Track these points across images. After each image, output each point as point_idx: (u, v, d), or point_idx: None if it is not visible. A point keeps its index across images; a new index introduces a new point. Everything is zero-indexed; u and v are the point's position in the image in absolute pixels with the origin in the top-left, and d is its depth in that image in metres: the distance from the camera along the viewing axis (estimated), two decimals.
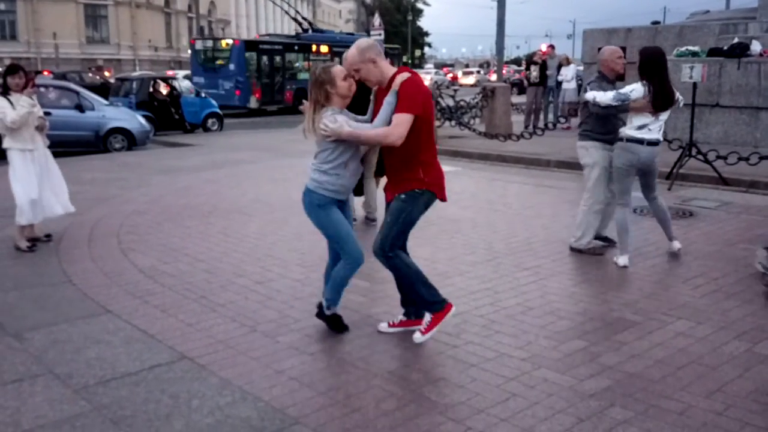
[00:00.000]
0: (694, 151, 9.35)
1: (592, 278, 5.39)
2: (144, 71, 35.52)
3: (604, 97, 5.50)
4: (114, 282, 5.30)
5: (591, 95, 5.60)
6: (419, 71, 47.60)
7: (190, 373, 3.73)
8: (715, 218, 7.31)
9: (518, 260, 5.78)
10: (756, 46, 12.09)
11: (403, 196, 3.92)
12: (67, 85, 15.04)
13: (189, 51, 30.13)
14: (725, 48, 12.42)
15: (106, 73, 33.76)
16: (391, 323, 4.32)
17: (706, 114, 12.10)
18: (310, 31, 30.56)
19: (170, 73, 28.32)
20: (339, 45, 26.95)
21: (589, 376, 3.63)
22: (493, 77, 24.96)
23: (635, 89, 5.43)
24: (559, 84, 16.82)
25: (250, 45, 26.35)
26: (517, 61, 72.83)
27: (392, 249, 3.99)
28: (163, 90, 18.20)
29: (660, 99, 5.40)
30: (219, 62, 25.65)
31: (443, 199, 4.06)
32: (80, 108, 13.60)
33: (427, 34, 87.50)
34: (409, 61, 71.78)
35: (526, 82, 17.82)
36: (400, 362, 3.84)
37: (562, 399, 3.40)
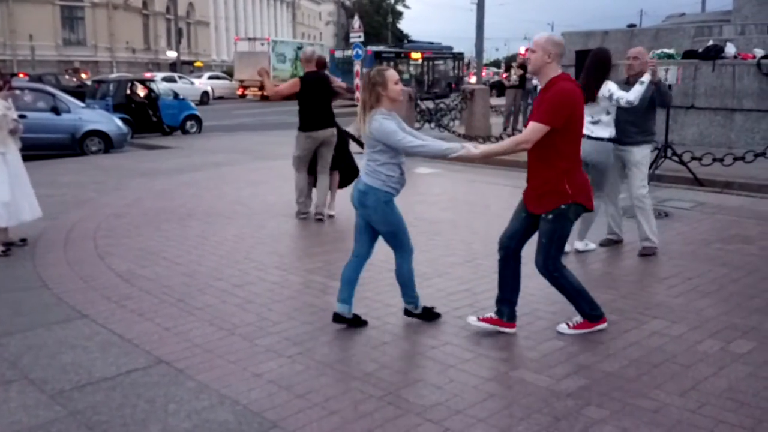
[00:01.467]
0: (669, 153, 9.46)
1: None
2: (121, 73, 35.19)
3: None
4: (90, 286, 5.24)
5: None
6: None
7: (167, 378, 3.70)
8: (691, 218, 7.41)
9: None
10: (730, 49, 12.28)
11: (550, 216, 4.01)
12: (42, 88, 14.86)
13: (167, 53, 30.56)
14: (700, 50, 12.60)
15: (83, 75, 33.40)
16: (480, 318, 4.33)
17: (682, 116, 12.26)
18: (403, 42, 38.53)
19: (148, 75, 28.07)
20: (427, 51, 35.52)
21: (565, 376, 3.66)
22: (473, 79, 25.06)
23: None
24: (536, 87, 16.92)
25: (376, 54, 34.19)
26: (496, 64, 73.20)
27: (556, 268, 4.14)
28: (141, 92, 18.03)
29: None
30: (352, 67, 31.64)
31: (591, 209, 4.18)
32: (56, 110, 13.43)
33: (407, 36, 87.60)
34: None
35: (506, 83, 17.93)
36: (378, 364, 3.84)
37: (539, 399, 3.42)
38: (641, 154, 6.01)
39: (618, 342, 4.12)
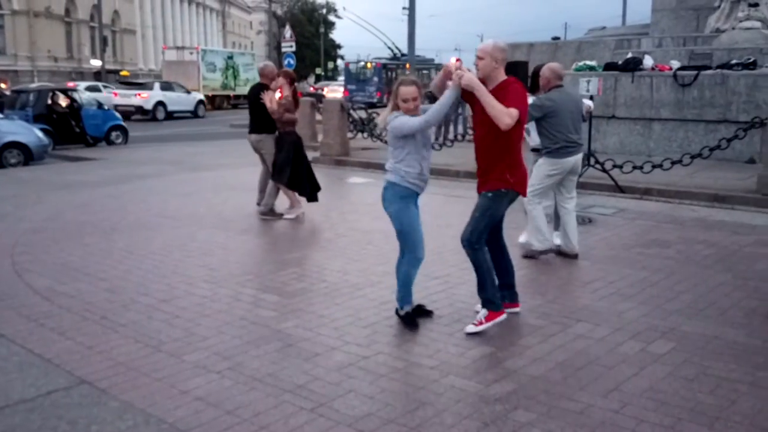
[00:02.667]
0: (592, 161, 9.79)
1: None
2: (43, 83, 33.86)
3: None
4: (7, 304, 5.00)
5: None
6: (332, 83, 47.97)
7: (90, 398, 3.56)
8: (613, 224, 7.67)
9: (428, 269, 5.84)
10: (648, 61, 12.84)
11: (490, 194, 4.36)
12: None
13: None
14: (620, 62, 13.12)
15: (2, 85, 31.92)
16: (476, 323, 4.46)
17: (604, 125, 12.72)
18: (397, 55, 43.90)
19: (71, 84, 27.13)
20: (419, 64, 39.15)
21: (494, 381, 3.73)
22: None
23: None
24: None
25: (384, 65, 41.50)
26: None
27: (479, 241, 4.39)
28: (63, 102, 17.43)
29: None
30: (364, 76, 41.04)
31: (525, 195, 4.64)
32: None
33: (339, 46, 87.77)
34: (322, 73, 71.82)
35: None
36: (309, 376, 3.81)
37: (469, 405, 3.47)
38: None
39: (544, 346, 4.22)
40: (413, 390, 3.64)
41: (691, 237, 7.02)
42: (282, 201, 8.18)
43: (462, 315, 4.76)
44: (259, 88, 8.19)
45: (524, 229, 6.35)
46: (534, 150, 6.39)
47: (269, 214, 8.10)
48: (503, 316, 4.48)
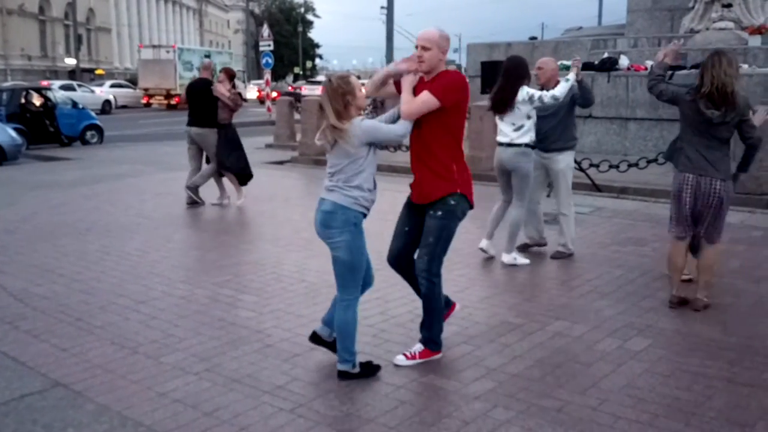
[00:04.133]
0: None
1: (478, 283, 5.56)
2: (16, 81, 33.35)
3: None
4: None
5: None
6: (311, 83, 47.85)
7: (65, 401, 3.52)
8: (590, 223, 7.74)
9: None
10: (624, 61, 12.97)
11: (439, 213, 3.83)
12: None
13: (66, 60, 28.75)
14: (596, 62, 13.23)
15: None
16: (408, 355, 4.02)
17: (581, 125, 12.76)
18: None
19: (45, 83, 26.73)
20: None
21: (473, 380, 3.74)
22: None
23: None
24: None
25: None
26: None
27: (438, 273, 3.91)
28: (37, 101, 17.14)
29: (492, 102, 5.87)
30: None
31: (473, 206, 3.99)
32: None
33: (317, 45, 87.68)
34: (301, 72, 71.62)
35: None
36: (289, 377, 3.79)
37: (449, 403, 3.48)
38: (565, 162, 6.19)
39: (523, 344, 4.24)
40: (393, 389, 3.63)
41: (666, 235, 7.07)
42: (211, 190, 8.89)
43: None
44: (203, 83, 8.76)
45: (484, 236, 6.21)
46: (525, 145, 5.92)
47: (194, 196, 8.73)
48: (439, 356, 4.03)
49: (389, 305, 4.95)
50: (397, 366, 3.94)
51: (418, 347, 4.02)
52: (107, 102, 33.11)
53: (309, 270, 5.86)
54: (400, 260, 4.13)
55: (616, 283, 5.46)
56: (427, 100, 3.69)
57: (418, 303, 4.94)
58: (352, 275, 3.73)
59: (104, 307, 4.92)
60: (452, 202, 3.85)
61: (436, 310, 3.99)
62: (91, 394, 3.58)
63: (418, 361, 3.96)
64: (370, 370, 3.81)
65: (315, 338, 4.07)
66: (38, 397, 3.55)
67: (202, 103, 8.62)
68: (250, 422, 3.28)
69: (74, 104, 17.87)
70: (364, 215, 3.72)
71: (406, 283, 5.41)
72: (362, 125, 3.62)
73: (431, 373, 3.84)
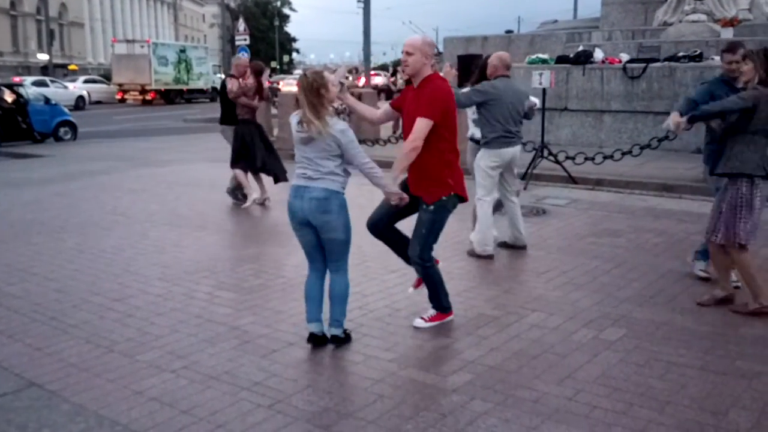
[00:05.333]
0: (546, 153, 9.94)
1: (455, 277, 5.57)
2: None
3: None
4: None
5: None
6: (288, 77, 47.40)
7: (40, 401, 3.48)
8: (566, 215, 7.80)
9: (386, 263, 5.86)
10: (598, 54, 13.07)
11: (432, 207, 4.18)
12: None
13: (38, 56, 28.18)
14: (571, 56, 13.33)
15: None
16: (415, 284, 4.60)
17: (556, 117, 12.92)
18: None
19: (17, 79, 26.27)
20: None
21: (452, 372, 3.76)
22: (362, 83, 25.30)
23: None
24: None
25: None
26: (384, 67, 74.23)
27: (430, 258, 4.30)
28: (8, 98, 16.83)
29: None
30: None
31: (467, 199, 4.37)
32: None
33: (294, 39, 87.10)
34: (278, 67, 71.14)
35: (393, 88, 18.19)
36: (267, 373, 3.78)
37: (427, 396, 3.49)
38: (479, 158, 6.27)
39: (501, 336, 4.27)
40: (371, 383, 3.64)
41: (641, 226, 7.19)
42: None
43: (420, 308, 4.77)
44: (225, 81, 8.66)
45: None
46: (473, 140, 6.43)
47: (234, 196, 8.53)
48: (451, 316, 4.52)
49: (367, 299, 4.96)
50: (416, 328, 4.37)
51: (431, 312, 4.47)
52: (81, 98, 32.65)
53: (287, 266, 5.84)
54: (378, 224, 4.45)
55: (591, 275, 5.52)
56: (423, 127, 4.05)
57: (396, 297, 5.00)
58: (347, 248, 4.09)
59: (79, 306, 4.86)
60: (444, 199, 4.21)
61: (436, 283, 4.41)
62: (66, 393, 3.54)
63: (434, 324, 4.42)
64: (348, 338, 4.19)
65: (318, 340, 4.13)
66: (12, 398, 3.50)
67: (222, 100, 8.60)
68: (227, 419, 3.27)
69: (47, 100, 17.59)
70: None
71: (384, 278, 5.45)
72: (345, 131, 3.84)
73: (410, 366, 3.85)
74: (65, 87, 33.05)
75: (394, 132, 15.75)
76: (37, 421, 3.28)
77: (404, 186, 4.29)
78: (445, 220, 4.29)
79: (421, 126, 4.05)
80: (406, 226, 4.44)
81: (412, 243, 4.28)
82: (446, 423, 3.22)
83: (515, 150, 6.08)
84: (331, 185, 3.90)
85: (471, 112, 6.36)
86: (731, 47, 5.17)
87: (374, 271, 5.64)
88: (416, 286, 4.60)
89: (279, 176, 8.38)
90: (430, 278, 4.38)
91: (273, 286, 5.32)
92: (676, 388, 3.56)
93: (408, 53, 4.12)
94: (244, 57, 9.07)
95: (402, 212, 4.33)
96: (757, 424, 3.22)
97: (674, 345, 4.11)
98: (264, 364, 3.91)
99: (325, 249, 4.05)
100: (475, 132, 6.29)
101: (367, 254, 6.14)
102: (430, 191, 4.19)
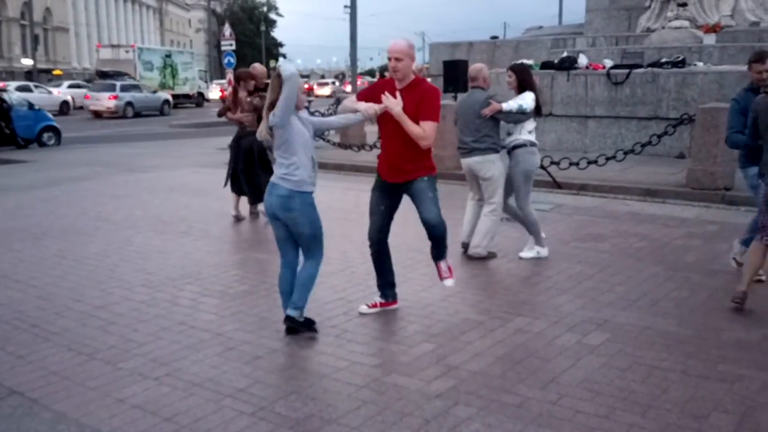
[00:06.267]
0: None
1: (440, 282, 5.57)
2: None
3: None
4: None
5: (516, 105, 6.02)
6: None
7: (20, 409, 3.45)
8: (550, 219, 7.84)
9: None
10: (583, 60, 13.17)
11: (426, 178, 4.52)
12: None
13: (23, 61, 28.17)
14: (556, 61, 13.41)
15: None
16: (370, 305, 4.81)
17: (541, 123, 12.88)
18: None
19: (0, 84, 26.07)
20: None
21: (435, 378, 3.76)
22: (348, 88, 25.33)
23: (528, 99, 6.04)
24: None
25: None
26: (371, 72, 74.34)
27: (442, 217, 4.58)
28: None
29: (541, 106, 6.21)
30: None
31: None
32: None
33: (281, 45, 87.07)
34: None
35: None
36: (250, 379, 3.77)
37: (411, 402, 3.49)
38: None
39: (485, 341, 4.28)
40: (355, 389, 3.64)
41: (624, 231, 7.24)
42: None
43: (405, 313, 4.79)
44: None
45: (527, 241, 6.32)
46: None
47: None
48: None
49: (352, 305, 4.95)
50: (450, 287, 4.82)
51: (444, 264, 4.76)
52: (65, 103, 32.48)
53: (272, 272, 5.81)
54: (384, 230, 4.73)
55: (575, 279, 5.55)
56: (434, 128, 4.40)
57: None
58: (317, 240, 4.32)
59: (61, 313, 4.82)
60: (432, 175, 4.59)
61: (446, 238, 4.68)
62: (47, 401, 3.51)
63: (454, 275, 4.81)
64: (311, 326, 4.39)
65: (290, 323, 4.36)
66: None
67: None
68: (210, 426, 3.25)
69: (30, 105, 17.47)
70: (313, 192, 4.28)
71: (368, 283, 5.44)
72: (285, 126, 4.10)
73: (393, 372, 3.85)
74: (49, 92, 32.87)
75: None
76: (18, 429, 3.25)
77: (381, 185, 4.62)
78: (436, 189, 4.58)
79: (433, 128, 4.38)
80: (400, 226, 4.43)
81: (428, 210, 4.49)
82: (430, 428, 3.22)
83: (470, 161, 6.09)
84: (295, 186, 4.16)
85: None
86: (760, 57, 5.32)
87: (359, 277, 5.64)
88: (448, 275, 4.81)
89: (253, 199, 8.03)
90: (444, 233, 4.62)
91: (257, 292, 5.30)
92: (658, 392, 3.59)
93: (398, 59, 4.31)
94: (255, 66, 8.28)
95: (392, 209, 4.69)
96: (738, 427, 3.24)
97: (657, 349, 4.14)
98: (247, 370, 3.89)
99: (298, 241, 4.32)
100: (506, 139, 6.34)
101: (352, 260, 6.14)
102: (421, 172, 4.51)
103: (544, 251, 6.19)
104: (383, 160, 4.69)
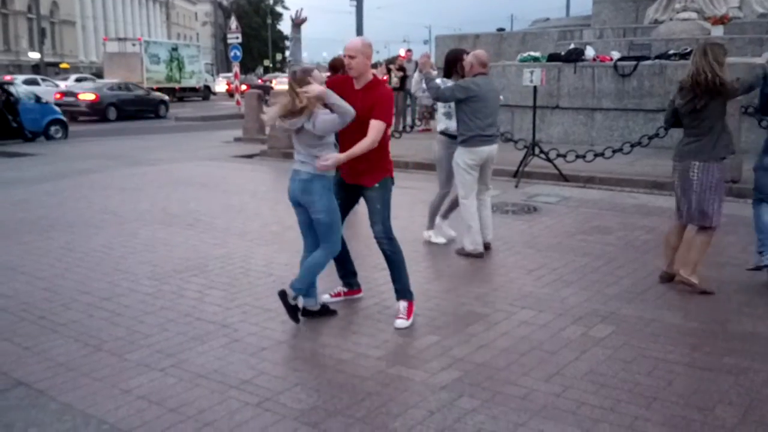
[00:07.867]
0: (537, 151, 9.96)
1: (445, 275, 5.59)
2: None
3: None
4: None
5: None
6: (280, 75, 47.27)
7: (27, 400, 3.47)
8: (556, 212, 7.82)
9: (375, 261, 5.85)
10: (590, 52, 13.09)
11: (377, 185, 4.49)
12: None
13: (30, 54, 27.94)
14: (563, 53, 13.34)
15: None
16: (332, 294, 4.86)
17: (548, 115, 12.93)
18: None
19: (8, 77, 26.13)
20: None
21: (440, 369, 3.76)
22: None
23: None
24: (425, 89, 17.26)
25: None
26: (375, 66, 74.14)
27: (392, 232, 4.56)
28: None
29: None
30: None
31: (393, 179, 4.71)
32: None
33: (287, 38, 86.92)
34: (270, 65, 71.02)
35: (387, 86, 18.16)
36: (256, 371, 3.78)
37: (415, 393, 3.49)
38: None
39: (490, 333, 4.28)
40: (360, 381, 3.64)
41: (631, 223, 7.21)
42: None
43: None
44: None
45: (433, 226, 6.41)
46: (444, 134, 6.30)
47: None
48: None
49: (353, 297, 4.96)
50: (401, 329, 4.36)
51: (403, 305, 4.52)
52: None
53: (277, 264, 5.84)
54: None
55: (581, 272, 5.54)
56: (381, 129, 4.35)
57: (386, 294, 4.99)
58: (333, 230, 4.37)
59: (68, 305, 4.84)
60: (385, 179, 4.55)
61: (402, 261, 4.59)
62: (53, 392, 3.53)
63: (412, 317, 4.49)
64: (295, 315, 4.41)
65: (305, 313, 4.53)
66: None
67: None
68: (215, 417, 3.27)
69: (38, 99, 17.52)
70: (332, 180, 4.37)
71: (373, 276, 5.44)
72: (325, 120, 4.17)
73: (398, 364, 3.86)
74: (56, 85, 32.87)
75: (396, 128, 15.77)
76: (24, 420, 3.27)
77: (339, 181, 4.54)
78: (390, 195, 4.56)
79: (381, 128, 4.34)
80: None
81: (375, 223, 4.51)
82: (434, 420, 3.23)
83: (492, 148, 6.01)
84: (314, 170, 4.23)
85: (441, 106, 6.28)
86: None
87: (364, 269, 5.63)
88: (403, 316, 4.49)
89: None
90: (396, 256, 4.56)
91: (263, 284, 5.31)
92: (663, 384, 3.58)
93: (351, 57, 4.36)
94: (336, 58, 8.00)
95: (347, 205, 4.71)
96: (743, 419, 3.24)
97: (662, 342, 4.13)
98: (253, 362, 3.90)
99: (315, 228, 4.40)
100: (449, 125, 6.16)
101: (357, 253, 6.12)
102: (375, 176, 4.50)
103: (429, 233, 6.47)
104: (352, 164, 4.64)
